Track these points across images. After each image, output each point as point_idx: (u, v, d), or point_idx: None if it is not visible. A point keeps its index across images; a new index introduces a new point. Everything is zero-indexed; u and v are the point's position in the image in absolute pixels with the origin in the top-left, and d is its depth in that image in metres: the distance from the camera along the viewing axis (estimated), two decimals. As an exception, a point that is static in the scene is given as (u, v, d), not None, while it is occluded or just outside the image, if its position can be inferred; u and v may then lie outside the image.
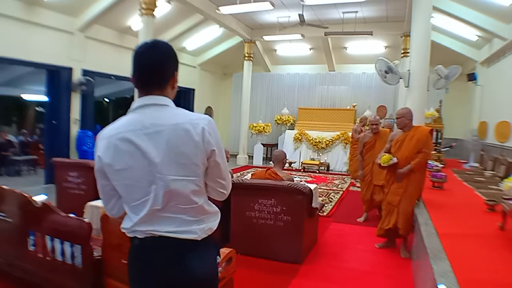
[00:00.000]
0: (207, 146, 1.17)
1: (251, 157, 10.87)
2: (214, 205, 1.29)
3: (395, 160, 3.45)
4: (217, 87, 12.89)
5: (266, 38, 9.51)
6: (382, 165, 3.51)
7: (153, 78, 1.19)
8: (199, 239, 1.20)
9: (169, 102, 1.20)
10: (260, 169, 4.78)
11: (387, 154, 3.51)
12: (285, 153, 3.83)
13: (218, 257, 1.41)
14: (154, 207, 1.16)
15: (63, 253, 2.31)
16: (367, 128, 6.27)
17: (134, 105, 1.21)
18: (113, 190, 1.23)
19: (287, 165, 9.39)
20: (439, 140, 7.92)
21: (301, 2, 6.70)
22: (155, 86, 1.19)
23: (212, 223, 1.25)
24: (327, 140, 9.87)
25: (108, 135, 1.17)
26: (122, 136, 1.15)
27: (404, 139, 3.48)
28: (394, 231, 3.57)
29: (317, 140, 9.95)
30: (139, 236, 1.20)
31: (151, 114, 1.17)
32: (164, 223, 1.18)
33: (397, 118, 3.59)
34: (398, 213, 3.46)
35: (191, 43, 10.05)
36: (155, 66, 1.19)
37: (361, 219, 4.80)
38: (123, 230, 1.24)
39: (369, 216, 4.83)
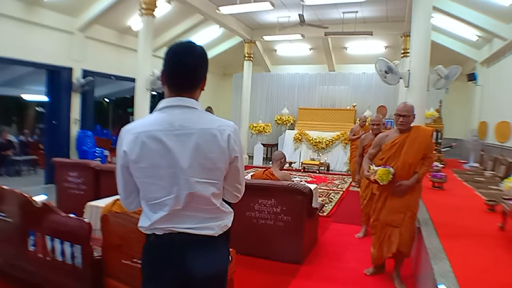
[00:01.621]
0: (232, 152, 1.22)
1: (251, 157, 10.87)
2: (229, 206, 1.33)
3: (392, 171, 2.73)
4: (217, 87, 12.90)
5: (266, 38, 9.51)
6: (380, 183, 2.72)
7: (188, 80, 1.21)
8: (216, 235, 1.24)
9: (197, 105, 1.23)
10: (260, 169, 4.78)
11: (383, 168, 2.72)
12: (283, 154, 3.83)
13: (230, 255, 1.44)
14: (175, 208, 1.18)
15: (63, 253, 2.31)
16: (362, 130, 6.20)
17: (162, 104, 1.21)
18: (134, 186, 1.23)
19: (287, 165, 9.40)
20: (439, 140, 7.92)
21: (301, 2, 6.70)
22: (187, 87, 1.21)
23: (227, 220, 1.29)
24: (327, 140, 9.87)
25: (136, 131, 1.17)
26: (150, 134, 1.16)
27: (404, 142, 2.76)
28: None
29: (317, 140, 9.95)
30: (158, 233, 1.21)
31: (180, 115, 1.18)
32: (184, 221, 1.20)
33: (400, 116, 2.79)
34: (401, 233, 2.77)
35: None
36: (192, 70, 1.20)
37: (360, 235, 4.16)
38: (140, 229, 1.25)
39: (369, 230, 4.42)
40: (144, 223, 1.23)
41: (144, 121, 1.21)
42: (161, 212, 1.19)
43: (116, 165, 1.24)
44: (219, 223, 1.25)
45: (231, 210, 1.34)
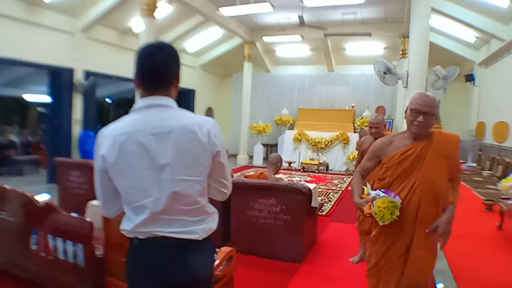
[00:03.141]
0: (213, 147, 1.20)
1: (251, 157, 10.90)
2: (213, 206, 1.31)
3: (399, 202, 1.71)
4: (218, 88, 12.93)
5: (265, 39, 9.55)
6: (379, 222, 1.72)
7: (159, 79, 1.20)
8: (200, 239, 1.22)
9: (173, 103, 1.22)
10: (260, 169, 4.81)
11: (384, 196, 1.70)
12: (280, 158, 3.79)
13: (215, 256, 1.43)
14: (156, 210, 1.16)
15: (65, 252, 2.32)
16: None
17: (137, 105, 1.21)
18: (114, 191, 1.21)
19: (286, 164, 9.44)
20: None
21: (300, 4, 6.73)
22: (160, 86, 1.20)
23: (211, 223, 1.27)
24: (326, 140, 9.91)
25: (113, 134, 1.16)
26: (128, 136, 1.14)
27: (424, 154, 1.77)
28: None
29: (317, 140, 9.99)
30: (140, 237, 1.20)
31: (157, 115, 1.17)
32: (167, 224, 1.18)
33: (420, 113, 1.73)
34: (424, 269, 1.82)
35: (191, 44, 10.09)
36: (162, 67, 1.20)
37: (355, 259, 3.40)
38: (122, 232, 1.23)
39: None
40: (126, 226, 1.21)
41: (120, 123, 1.19)
42: (143, 215, 1.16)
43: (94, 171, 1.22)
44: (203, 227, 1.23)
45: (215, 210, 1.32)
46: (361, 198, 1.79)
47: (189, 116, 1.21)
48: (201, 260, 1.25)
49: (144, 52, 1.20)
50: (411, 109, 1.77)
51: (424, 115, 1.72)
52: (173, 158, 1.14)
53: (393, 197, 1.70)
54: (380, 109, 10.54)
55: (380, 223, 1.72)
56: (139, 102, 1.20)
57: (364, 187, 1.84)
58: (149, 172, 1.14)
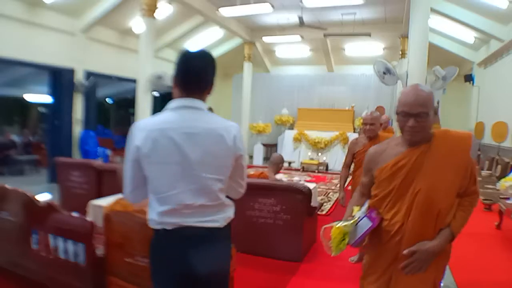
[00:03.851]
0: (237, 150, 1.33)
1: (251, 157, 10.92)
2: (229, 200, 1.42)
3: (370, 226, 1.40)
4: (218, 88, 12.73)
5: (265, 39, 9.56)
6: (330, 252, 1.49)
7: (198, 83, 1.32)
8: (221, 226, 1.33)
9: (204, 107, 1.33)
10: (260, 169, 4.83)
11: (339, 225, 1.44)
12: (282, 158, 3.79)
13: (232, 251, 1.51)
14: (181, 202, 1.25)
15: (66, 252, 2.33)
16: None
17: (173, 104, 1.30)
18: (142, 180, 1.29)
19: (286, 164, 9.46)
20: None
21: (300, 4, 6.75)
22: (197, 90, 1.32)
23: (229, 212, 1.38)
24: (326, 140, 9.94)
25: (148, 128, 1.25)
26: (162, 132, 1.24)
27: (420, 163, 1.39)
28: None
29: (316, 140, 10.02)
30: (168, 228, 1.27)
31: (190, 115, 1.28)
32: (191, 215, 1.27)
33: (408, 116, 1.36)
34: None
35: (192, 44, 10.09)
36: (203, 73, 1.32)
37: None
38: (150, 222, 1.31)
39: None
40: (153, 215, 1.29)
41: (155, 119, 1.28)
42: (168, 206, 1.25)
43: (126, 160, 1.30)
44: (223, 216, 1.34)
45: (233, 203, 1.42)
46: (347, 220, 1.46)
47: (218, 120, 1.33)
48: (221, 250, 1.36)
49: (188, 57, 1.32)
50: (398, 113, 1.40)
51: (415, 117, 1.34)
52: (201, 157, 1.25)
53: (369, 221, 1.38)
54: (379, 109, 10.55)
55: (333, 255, 1.45)
56: (175, 101, 1.31)
57: (355, 207, 1.51)
58: (178, 167, 1.24)
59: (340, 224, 1.42)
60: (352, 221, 1.41)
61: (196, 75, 1.31)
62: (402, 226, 1.38)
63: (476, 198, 1.48)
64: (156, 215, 1.27)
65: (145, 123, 1.27)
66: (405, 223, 1.38)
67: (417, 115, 1.34)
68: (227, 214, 1.36)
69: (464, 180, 1.40)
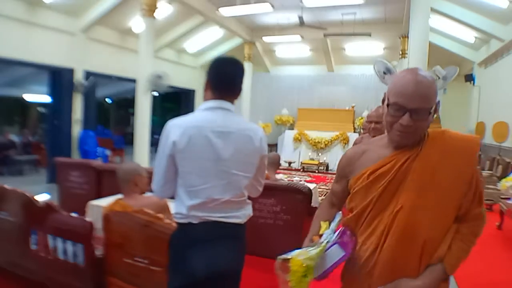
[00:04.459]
0: (262, 151, 1.45)
1: (251, 158, 10.92)
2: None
3: (342, 256, 1.03)
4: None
5: (265, 39, 9.56)
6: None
7: (232, 88, 1.44)
8: (242, 223, 1.43)
9: (233, 109, 1.44)
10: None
11: (308, 254, 1.05)
12: (279, 156, 3.83)
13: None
14: (210, 196, 1.33)
15: (65, 252, 2.32)
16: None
17: (207, 104, 1.40)
18: (173, 174, 1.37)
19: (286, 164, 9.46)
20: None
21: (300, 4, 6.74)
22: (230, 93, 1.44)
23: (249, 210, 1.49)
24: (326, 140, 9.93)
25: (183, 126, 1.34)
26: (197, 129, 1.33)
27: (406, 172, 1.04)
28: None
29: (316, 140, 10.01)
30: (194, 222, 1.34)
31: (222, 116, 1.38)
32: (217, 210, 1.35)
33: (408, 112, 1.00)
34: None
35: (192, 44, 10.10)
36: (236, 79, 1.44)
37: None
38: (176, 215, 1.38)
39: None
40: (180, 209, 1.36)
41: (189, 117, 1.38)
42: (197, 199, 1.33)
43: (160, 155, 1.38)
44: (244, 212, 1.44)
45: (250, 201, 1.51)
46: (312, 241, 1.12)
47: (246, 122, 1.47)
48: (240, 247, 1.44)
49: (223, 63, 1.45)
50: (388, 104, 1.03)
51: (411, 114, 0.99)
52: (231, 155, 1.35)
53: (341, 249, 1.03)
54: (379, 110, 10.54)
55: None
56: (209, 103, 1.41)
57: (323, 223, 1.14)
58: (210, 163, 1.34)
59: (302, 256, 1.04)
60: (318, 250, 1.03)
61: (230, 80, 1.43)
62: (374, 254, 1.04)
63: (481, 224, 1.09)
64: (185, 209, 1.34)
65: (182, 121, 1.36)
66: (378, 249, 1.03)
67: (415, 111, 0.99)
68: (248, 211, 1.46)
69: (466, 199, 1.02)
